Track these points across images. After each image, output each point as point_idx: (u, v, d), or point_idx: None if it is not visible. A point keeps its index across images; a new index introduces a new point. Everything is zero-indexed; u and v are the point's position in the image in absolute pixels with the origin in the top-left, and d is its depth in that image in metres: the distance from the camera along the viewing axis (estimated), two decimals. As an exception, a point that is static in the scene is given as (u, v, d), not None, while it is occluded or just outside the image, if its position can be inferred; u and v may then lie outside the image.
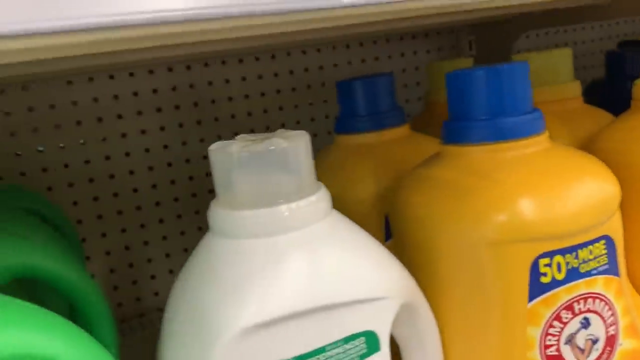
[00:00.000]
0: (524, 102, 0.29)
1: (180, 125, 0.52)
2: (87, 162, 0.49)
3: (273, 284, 0.22)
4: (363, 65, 0.60)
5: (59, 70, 0.31)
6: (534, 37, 0.70)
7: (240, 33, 0.18)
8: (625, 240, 0.30)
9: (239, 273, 0.23)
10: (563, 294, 0.27)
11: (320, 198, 0.24)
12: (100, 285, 0.40)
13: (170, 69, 0.51)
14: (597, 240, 0.28)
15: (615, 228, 0.29)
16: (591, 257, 0.27)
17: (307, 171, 0.24)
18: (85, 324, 0.30)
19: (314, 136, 0.58)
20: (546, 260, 0.27)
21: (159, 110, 0.51)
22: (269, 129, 0.56)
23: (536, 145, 0.29)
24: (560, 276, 0.27)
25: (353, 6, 0.16)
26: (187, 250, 0.53)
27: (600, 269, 0.28)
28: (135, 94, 0.50)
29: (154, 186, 0.51)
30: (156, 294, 0.53)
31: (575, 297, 0.27)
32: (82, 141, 0.49)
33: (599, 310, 0.28)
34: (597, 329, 0.28)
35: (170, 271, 0.53)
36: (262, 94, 0.56)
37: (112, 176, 0.50)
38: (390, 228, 0.34)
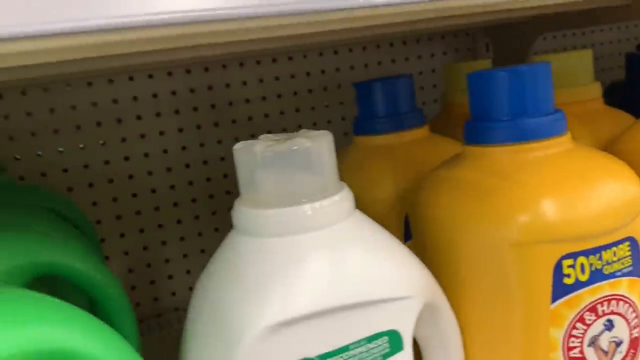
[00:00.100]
0: (546, 103, 0.29)
1: (198, 127, 0.52)
2: (106, 162, 0.49)
3: (296, 282, 0.22)
4: (379, 67, 0.60)
5: (79, 71, 0.31)
6: (550, 39, 0.69)
7: (268, 33, 0.18)
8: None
9: (263, 271, 0.23)
10: (586, 296, 0.27)
11: (344, 198, 0.24)
12: (120, 284, 0.40)
13: (188, 71, 0.51)
14: (621, 241, 0.27)
15: (639, 230, 0.28)
16: (615, 258, 0.27)
17: (330, 171, 0.24)
18: (106, 319, 0.31)
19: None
20: (569, 262, 0.26)
21: (177, 112, 0.51)
22: (285, 130, 0.56)
23: (559, 146, 0.29)
24: (583, 277, 0.27)
25: (379, 6, 0.16)
26: (205, 251, 0.53)
27: (625, 270, 0.28)
28: (154, 95, 0.50)
29: (172, 187, 0.52)
30: (173, 294, 0.53)
31: (599, 299, 0.27)
32: (101, 142, 0.49)
33: (623, 312, 0.28)
34: (621, 331, 0.28)
35: (188, 271, 0.53)
36: (279, 96, 0.56)
37: (131, 177, 0.50)
38: (410, 228, 0.34)
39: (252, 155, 0.23)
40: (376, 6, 0.17)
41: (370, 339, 0.23)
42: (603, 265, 0.27)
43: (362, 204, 0.29)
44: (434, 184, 0.30)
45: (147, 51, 0.21)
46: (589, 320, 0.27)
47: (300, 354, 0.22)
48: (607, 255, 0.27)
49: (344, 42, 0.52)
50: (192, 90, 0.52)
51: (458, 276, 0.28)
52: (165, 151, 0.51)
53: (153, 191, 0.51)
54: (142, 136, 0.50)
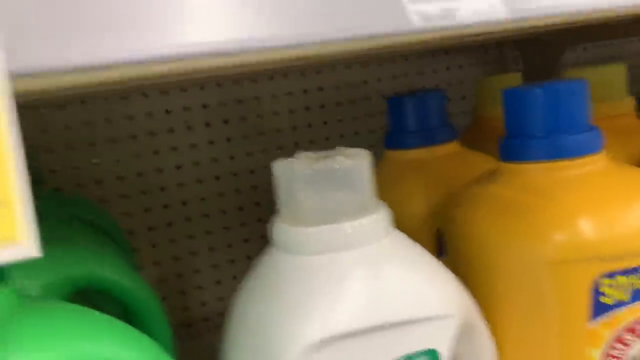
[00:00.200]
0: (582, 120, 0.29)
1: (228, 140, 0.53)
2: (139, 174, 0.50)
3: (336, 300, 0.22)
4: (408, 79, 0.60)
5: (117, 88, 0.32)
6: (581, 50, 0.69)
7: (307, 58, 0.18)
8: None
9: (303, 289, 0.23)
10: (626, 316, 0.26)
11: (382, 216, 0.24)
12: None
13: (219, 85, 0.52)
14: (661, 261, 0.27)
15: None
16: (655, 278, 0.27)
17: (369, 189, 0.24)
18: (142, 331, 0.31)
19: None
20: (608, 281, 0.26)
21: (207, 124, 0.52)
22: (313, 143, 0.56)
23: (595, 164, 0.29)
24: (623, 297, 0.26)
25: (426, 30, 0.17)
26: (234, 262, 0.54)
27: (665, 290, 0.27)
28: (187, 109, 0.51)
29: (202, 199, 0.53)
30: (203, 304, 0.54)
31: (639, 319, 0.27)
32: (135, 154, 0.50)
33: (662, 332, 0.27)
34: (661, 351, 0.28)
35: (218, 282, 0.54)
36: (307, 109, 0.56)
37: (162, 188, 0.51)
38: (442, 244, 0.34)
39: (293, 174, 0.24)
40: (421, 32, 0.17)
41: (409, 357, 0.23)
42: (642, 285, 0.27)
43: (394, 219, 0.29)
44: (469, 200, 0.30)
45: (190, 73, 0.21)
46: (628, 341, 0.27)
47: (340, 371, 0.22)
48: (646, 274, 0.27)
49: (373, 55, 0.52)
50: (222, 104, 0.53)
51: (494, 294, 0.28)
52: (196, 163, 0.52)
53: (184, 203, 0.52)
54: (174, 149, 0.51)
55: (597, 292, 0.26)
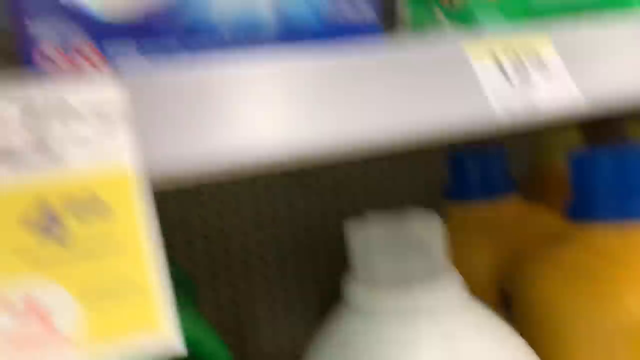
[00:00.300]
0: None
1: (287, 188, 0.55)
2: (203, 220, 0.52)
3: (411, 365, 0.23)
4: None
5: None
6: None
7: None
8: None
9: (377, 352, 0.24)
10: None
11: (454, 281, 0.25)
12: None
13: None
14: None
15: None
16: None
17: (442, 254, 0.25)
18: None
19: (416, 202, 0.59)
20: (685, 350, 0.26)
21: (268, 174, 0.54)
22: (367, 190, 0.57)
23: (667, 228, 0.29)
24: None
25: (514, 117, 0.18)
26: (291, 310, 0.55)
27: None
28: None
29: (262, 245, 0.54)
30: (261, 350, 0.54)
31: None
32: (200, 201, 0.52)
33: None
34: None
35: (275, 329, 0.55)
36: (366, 161, 0.58)
37: (224, 232, 0.53)
38: (507, 302, 0.35)
39: (367, 238, 0.25)
40: (505, 124, 0.18)
41: None
42: None
43: (460, 277, 0.30)
44: (538, 262, 0.31)
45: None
46: None
47: None
48: None
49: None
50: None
51: (566, 358, 0.28)
52: (257, 212, 0.54)
53: (244, 249, 0.54)
54: (236, 195, 0.53)
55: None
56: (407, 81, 0.17)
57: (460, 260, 0.37)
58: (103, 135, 0.14)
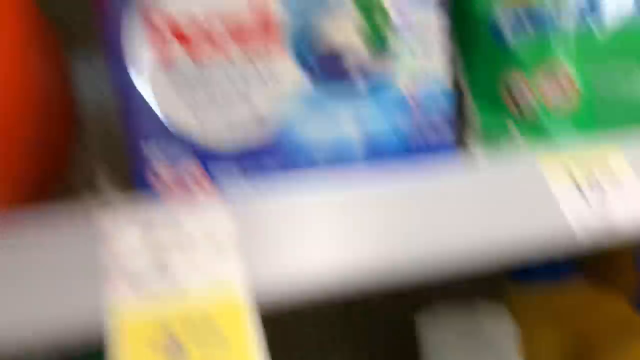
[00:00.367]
0: None
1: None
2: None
3: None
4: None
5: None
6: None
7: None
8: None
9: None
10: None
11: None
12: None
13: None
14: None
15: None
16: None
17: (513, 353, 0.26)
18: None
19: (479, 283, 0.59)
20: None
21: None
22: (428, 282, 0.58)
23: None
24: None
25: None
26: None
27: None
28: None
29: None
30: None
31: None
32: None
33: None
34: None
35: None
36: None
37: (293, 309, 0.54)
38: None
39: (439, 332, 0.26)
40: (583, 242, 0.19)
41: None
42: None
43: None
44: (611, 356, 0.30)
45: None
46: None
47: None
48: None
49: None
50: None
51: None
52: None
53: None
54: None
55: None
56: (485, 203, 0.19)
57: (529, 348, 0.36)
58: (217, 262, 0.16)
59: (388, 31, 0.23)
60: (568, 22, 0.27)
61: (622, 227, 0.18)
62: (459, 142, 0.28)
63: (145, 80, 0.21)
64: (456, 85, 0.28)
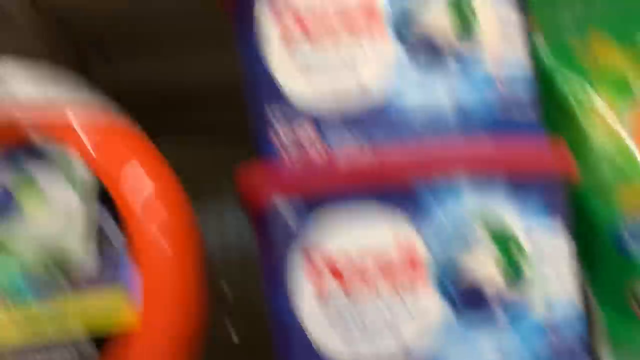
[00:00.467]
0: None
1: None
2: None
3: None
4: None
5: None
6: None
7: None
8: None
9: None
10: None
11: None
12: None
13: None
14: None
15: None
16: None
17: None
18: None
19: None
20: None
21: None
22: None
23: None
24: None
25: None
26: None
27: None
28: None
29: None
30: None
31: None
32: None
33: None
34: None
35: None
36: None
37: None
38: None
39: None
40: None
41: None
42: None
43: None
44: None
45: None
46: None
47: None
48: None
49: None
50: None
51: None
52: None
53: None
54: None
55: None
56: None
57: None
58: None
59: (522, 261, 0.25)
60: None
61: None
62: (590, 352, 0.28)
63: (303, 314, 0.24)
64: (586, 304, 0.28)
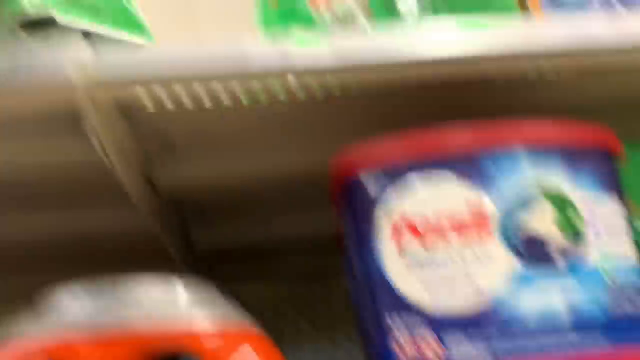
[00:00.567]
0: None
1: None
2: None
3: None
4: None
5: None
6: None
7: None
8: None
9: None
10: None
11: None
12: None
13: None
14: None
15: None
16: None
17: None
18: None
19: None
20: None
21: None
22: None
23: None
24: None
25: None
26: None
27: None
28: None
29: None
30: None
31: None
32: None
33: None
34: None
35: None
36: None
37: None
38: None
39: None
40: None
41: None
42: None
43: None
44: None
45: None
46: None
47: None
48: None
49: None
50: None
51: None
52: None
53: None
54: None
55: None
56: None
57: None
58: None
59: (579, 222, 0.29)
60: None
61: None
62: None
63: (386, 265, 0.28)
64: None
